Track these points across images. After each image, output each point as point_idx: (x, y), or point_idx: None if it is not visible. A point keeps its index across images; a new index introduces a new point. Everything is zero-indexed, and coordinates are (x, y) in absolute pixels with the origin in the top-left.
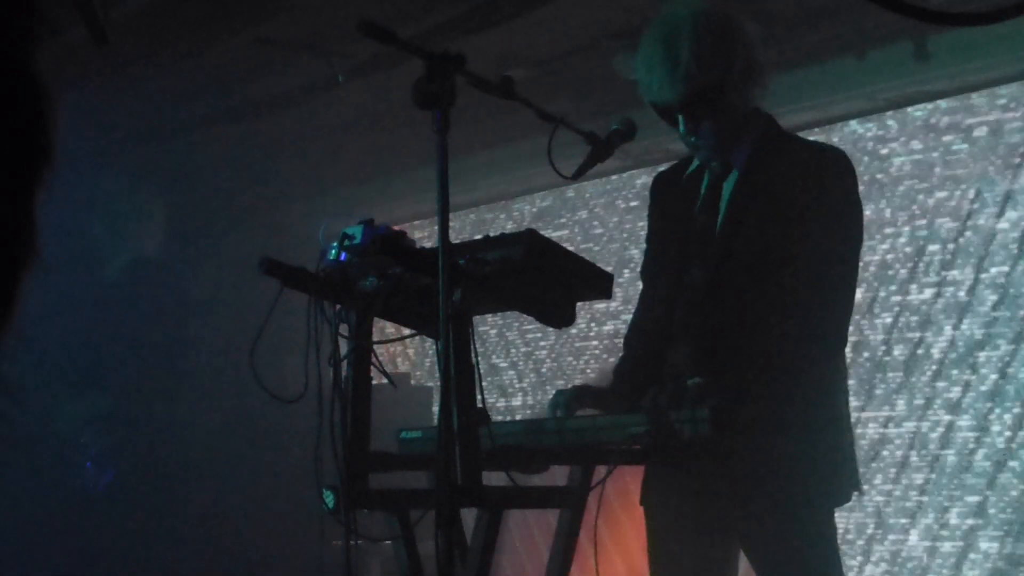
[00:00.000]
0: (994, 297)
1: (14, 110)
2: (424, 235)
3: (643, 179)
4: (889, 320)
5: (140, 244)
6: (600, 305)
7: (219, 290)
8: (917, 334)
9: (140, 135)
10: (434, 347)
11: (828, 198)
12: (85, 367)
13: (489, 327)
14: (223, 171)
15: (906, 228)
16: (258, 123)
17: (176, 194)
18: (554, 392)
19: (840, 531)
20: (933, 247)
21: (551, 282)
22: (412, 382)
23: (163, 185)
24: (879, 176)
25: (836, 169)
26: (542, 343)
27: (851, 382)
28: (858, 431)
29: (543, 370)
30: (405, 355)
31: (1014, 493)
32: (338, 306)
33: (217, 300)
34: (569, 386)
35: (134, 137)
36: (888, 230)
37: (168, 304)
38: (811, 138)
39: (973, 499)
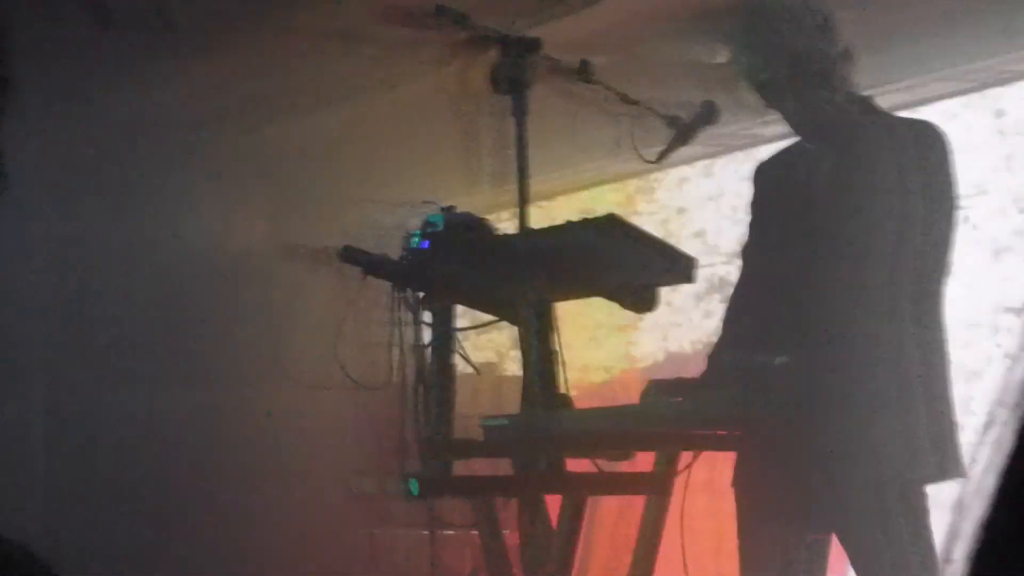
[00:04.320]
0: None
1: None
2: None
3: None
4: None
5: (237, 238)
6: None
7: (312, 282)
8: None
9: (223, 127)
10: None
11: (917, 174)
12: (180, 355)
13: None
14: (305, 162)
15: None
16: (340, 114)
17: (261, 186)
18: (647, 383)
19: None
20: None
21: (632, 267)
22: (501, 372)
23: (250, 177)
24: None
25: (925, 144)
26: None
27: None
28: None
29: None
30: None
31: None
32: (421, 294)
33: (313, 292)
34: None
35: (217, 129)
36: None
37: (262, 297)
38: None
39: None
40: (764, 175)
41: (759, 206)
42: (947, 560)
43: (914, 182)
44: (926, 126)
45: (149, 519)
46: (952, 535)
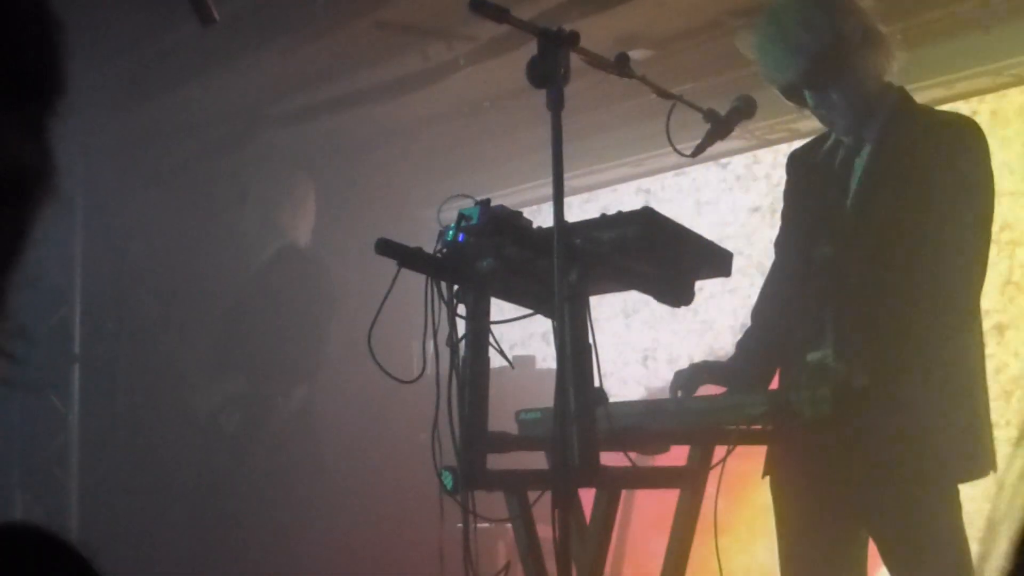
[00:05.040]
0: None
1: (22, 40)
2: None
3: None
4: None
5: (284, 229)
6: None
7: (350, 275)
8: None
9: (268, 121)
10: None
11: (959, 170)
12: (228, 349)
13: None
14: (354, 155)
15: None
16: (380, 108)
17: (313, 178)
18: (675, 372)
19: None
20: None
21: (669, 261)
22: (536, 365)
23: (302, 169)
24: None
25: (967, 140)
26: None
27: None
28: None
29: None
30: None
31: None
32: (456, 287)
33: (351, 286)
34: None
35: (274, 122)
36: None
37: (309, 283)
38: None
39: None
40: (798, 163)
41: (792, 195)
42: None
43: (949, 177)
44: (965, 121)
45: (185, 513)
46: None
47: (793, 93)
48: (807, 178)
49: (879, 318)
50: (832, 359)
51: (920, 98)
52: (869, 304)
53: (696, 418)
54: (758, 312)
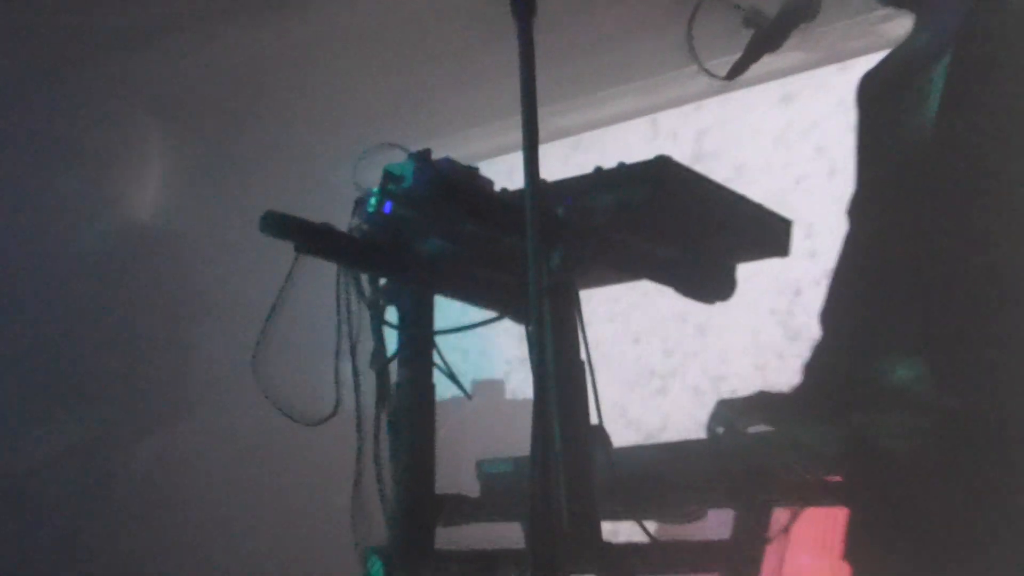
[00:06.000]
0: None
1: None
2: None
3: None
4: None
5: (127, 198)
6: None
7: (232, 262)
8: None
9: (114, 42)
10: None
11: None
12: (55, 377)
13: None
14: (228, 91)
15: None
16: (272, 21)
17: (166, 126)
18: (718, 401)
19: None
20: None
21: (694, 235)
22: (503, 393)
23: (150, 112)
24: None
25: None
26: None
27: None
28: None
29: None
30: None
31: None
32: (382, 280)
33: (231, 277)
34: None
35: (106, 45)
36: None
37: (168, 282)
38: None
39: None
40: (868, 88)
41: (865, 138)
42: None
43: None
44: None
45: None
46: None
47: None
48: (879, 109)
49: (983, 313)
50: (925, 374)
51: None
52: (967, 293)
53: (742, 465)
54: (828, 314)
